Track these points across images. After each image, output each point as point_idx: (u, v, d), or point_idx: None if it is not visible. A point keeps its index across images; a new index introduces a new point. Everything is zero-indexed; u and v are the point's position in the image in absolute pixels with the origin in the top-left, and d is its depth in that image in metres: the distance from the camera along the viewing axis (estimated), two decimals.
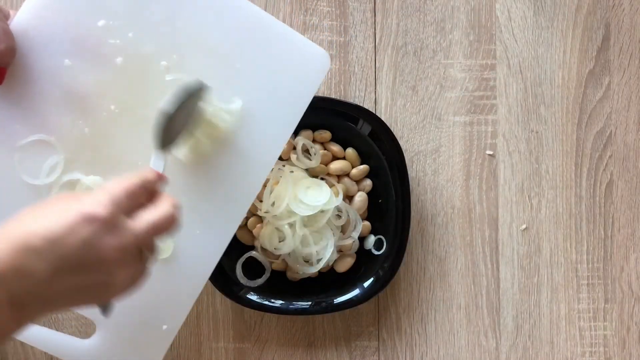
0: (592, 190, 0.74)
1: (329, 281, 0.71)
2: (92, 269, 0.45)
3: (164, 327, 0.61)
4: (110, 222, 0.45)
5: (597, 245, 0.74)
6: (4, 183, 0.60)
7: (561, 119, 0.74)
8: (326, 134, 0.71)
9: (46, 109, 0.59)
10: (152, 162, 0.54)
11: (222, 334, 0.73)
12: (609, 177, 0.74)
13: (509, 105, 0.74)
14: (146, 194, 0.49)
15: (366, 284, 0.70)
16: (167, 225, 0.49)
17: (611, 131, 0.74)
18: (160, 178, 0.52)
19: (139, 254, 0.48)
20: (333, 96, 0.74)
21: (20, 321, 0.45)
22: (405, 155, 0.70)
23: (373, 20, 0.75)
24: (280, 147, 0.62)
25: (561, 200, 0.74)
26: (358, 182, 0.72)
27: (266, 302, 0.70)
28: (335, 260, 0.71)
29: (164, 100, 0.54)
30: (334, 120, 0.71)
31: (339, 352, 0.73)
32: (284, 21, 0.75)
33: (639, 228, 0.74)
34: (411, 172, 0.73)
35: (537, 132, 0.74)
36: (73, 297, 0.46)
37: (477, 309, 0.73)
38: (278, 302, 0.70)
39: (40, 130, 0.59)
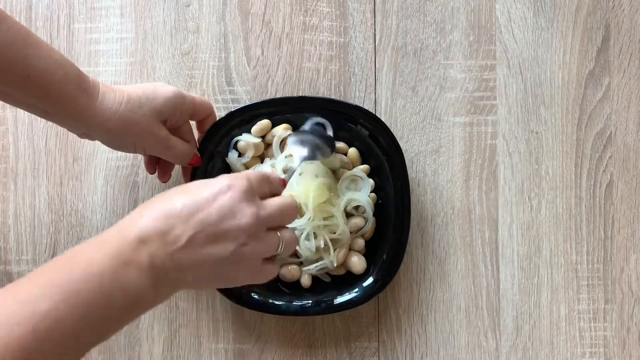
0: (592, 191, 0.74)
1: (329, 281, 0.72)
2: (228, 236, 0.49)
3: None
4: (247, 192, 0.50)
5: (597, 246, 0.74)
6: None
7: (561, 119, 0.74)
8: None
9: None
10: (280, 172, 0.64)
11: (222, 334, 0.73)
12: (609, 177, 0.74)
13: (509, 105, 0.74)
14: (271, 188, 0.54)
15: (366, 285, 0.70)
16: (291, 212, 0.54)
17: (611, 132, 0.74)
18: (284, 183, 0.57)
19: (269, 234, 0.52)
20: (333, 97, 0.74)
21: (158, 289, 0.47)
22: (405, 155, 0.70)
23: (373, 21, 0.75)
24: None
25: (561, 201, 0.74)
26: None
27: (266, 303, 0.70)
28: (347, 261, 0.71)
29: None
30: (334, 121, 0.71)
31: (338, 353, 0.73)
32: (283, 22, 0.75)
33: (639, 229, 0.74)
34: (411, 173, 0.73)
35: (537, 133, 0.74)
36: (207, 269, 0.49)
37: (477, 310, 0.73)
38: (278, 303, 0.70)
39: None
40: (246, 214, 0.49)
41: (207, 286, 0.53)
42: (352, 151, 0.71)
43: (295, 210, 0.54)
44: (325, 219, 0.68)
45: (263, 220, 0.51)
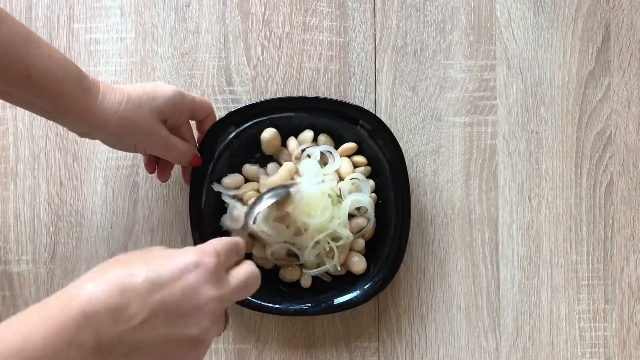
0: (592, 191, 0.74)
1: (329, 281, 0.72)
2: (186, 320, 0.44)
3: None
4: (215, 272, 0.46)
5: (597, 246, 0.74)
6: None
7: (561, 119, 0.74)
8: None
9: None
10: (239, 234, 0.56)
11: (222, 334, 0.73)
12: (609, 177, 0.74)
13: (509, 105, 0.74)
14: (236, 256, 0.51)
15: (366, 285, 0.70)
16: (254, 284, 0.50)
17: (611, 132, 0.74)
18: (245, 246, 0.53)
19: (223, 315, 0.48)
20: (333, 97, 0.74)
21: None
22: (405, 155, 0.70)
23: (373, 20, 0.75)
24: None
25: (561, 201, 0.74)
26: None
27: (266, 303, 0.70)
28: (348, 261, 0.71)
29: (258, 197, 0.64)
30: (334, 121, 0.71)
31: (338, 353, 0.73)
32: (283, 22, 0.75)
33: (639, 229, 0.74)
34: (411, 173, 0.73)
35: (537, 133, 0.74)
36: (158, 352, 0.43)
37: (477, 310, 0.73)
38: (278, 303, 0.70)
39: None
40: (212, 298, 0.45)
41: None
42: (358, 157, 0.71)
43: (258, 279, 0.50)
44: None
45: (227, 302, 0.47)
